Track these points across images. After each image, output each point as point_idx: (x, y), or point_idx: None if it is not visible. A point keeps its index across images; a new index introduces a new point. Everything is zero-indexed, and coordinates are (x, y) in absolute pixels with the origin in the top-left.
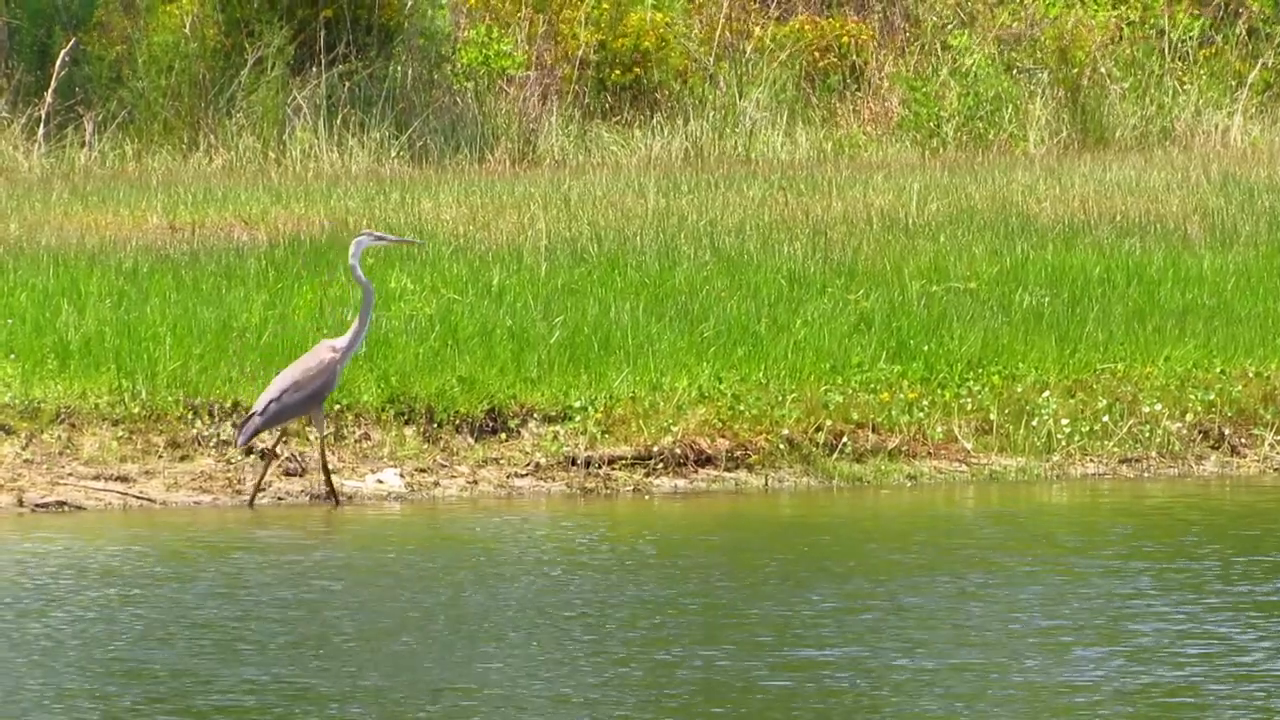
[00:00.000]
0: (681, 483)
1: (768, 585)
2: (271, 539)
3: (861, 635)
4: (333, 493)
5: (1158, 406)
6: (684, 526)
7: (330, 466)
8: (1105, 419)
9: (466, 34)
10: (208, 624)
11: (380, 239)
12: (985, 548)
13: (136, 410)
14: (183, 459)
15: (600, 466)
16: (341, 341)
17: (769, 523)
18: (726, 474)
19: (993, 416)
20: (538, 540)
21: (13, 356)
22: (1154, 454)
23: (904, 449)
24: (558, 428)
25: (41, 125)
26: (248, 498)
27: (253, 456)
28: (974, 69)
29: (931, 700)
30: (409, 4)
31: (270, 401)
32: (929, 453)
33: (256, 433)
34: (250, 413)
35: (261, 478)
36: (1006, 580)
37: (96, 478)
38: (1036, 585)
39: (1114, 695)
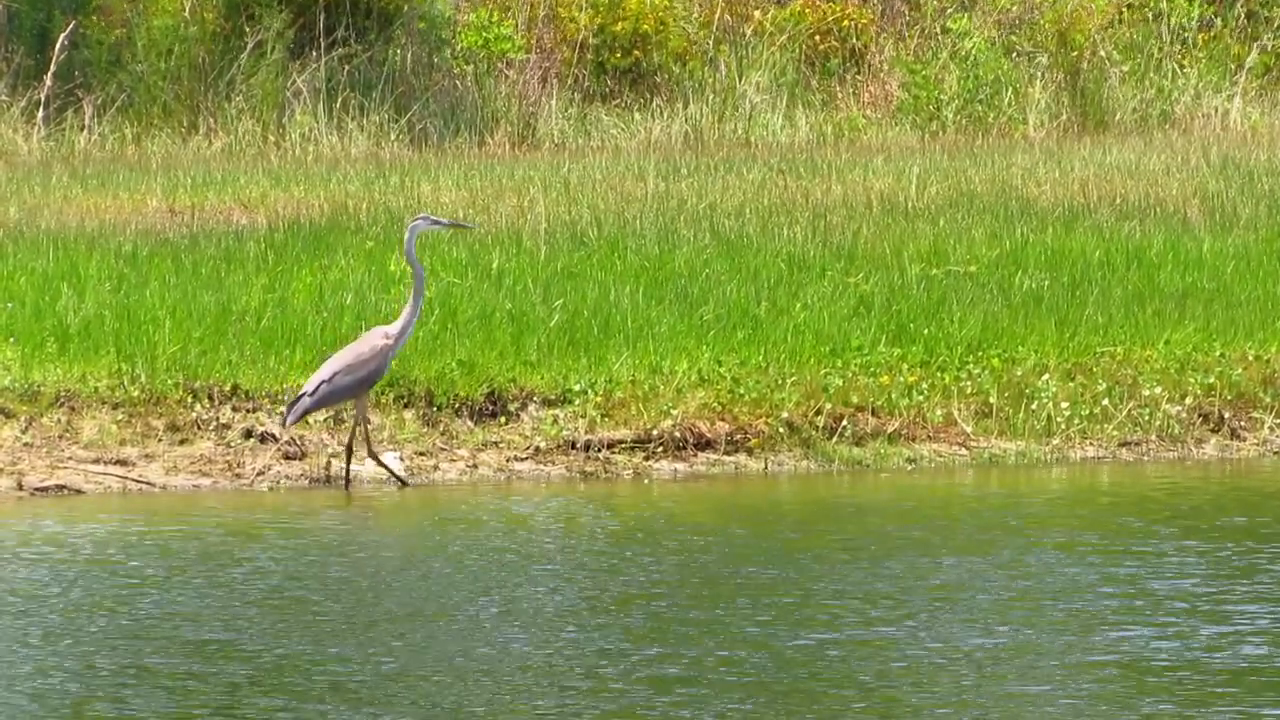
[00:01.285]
0: (681, 466)
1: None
2: (325, 521)
3: (915, 614)
4: (348, 477)
5: (1157, 390)
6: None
7: (331, 450)
8: (1105, 402)
9: (466, 17)
10: (286, 605)
11: (436, 223)
12: (1005, 528)
13: (136, 394)
14: (182, 442)
15: (600, 450)
16: (394, 328)
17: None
18: (726, 457)
19: (992, 400)
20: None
21: (12, 340)
22: (1154, 437)
23: (904, 432)
24: (557, 411)
25: (41, 109)
26: (247, 481)
27: (251, 440)
28: (973, 52)
29: (977, 672)
30: None
31: (321, 383)
32: (929, 436)
33: (306, 413)
34: (300, 393)
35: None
36: (1047, 559)
37: (96, 461)
38: (1091, 562)
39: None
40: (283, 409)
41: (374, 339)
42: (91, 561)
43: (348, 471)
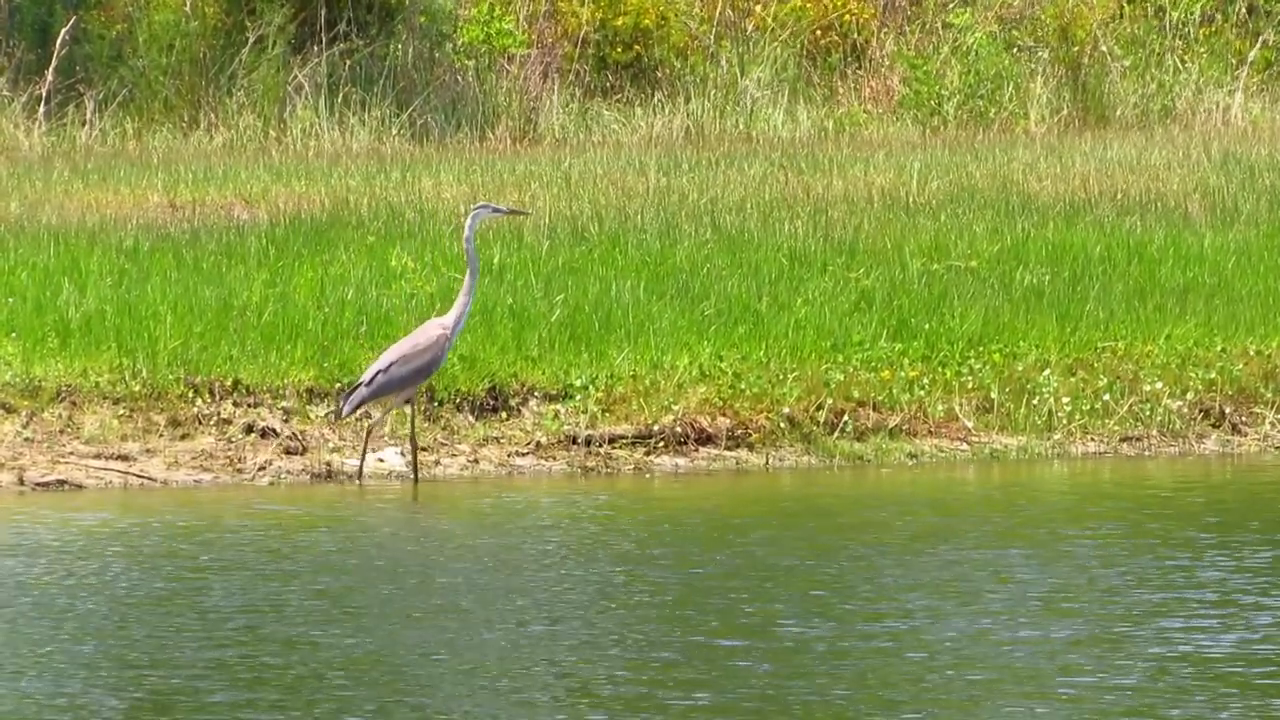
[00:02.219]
0: (682, 461)
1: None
2: (363, 517)
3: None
4: (361, 470)
5: (1158, 385)
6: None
7: (332, 445)
8: (1106, 397)
9: (468, 12)
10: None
11: (496, 210)
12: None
13: (137, 389)
14: (183, 437)
15: (601, 445)
16: (449, 319)
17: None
18: (727, 452)
19: (993, 395)
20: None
21: (14, 335)
22: (1155, 432)
23: (905, 427)
24: (558, 406)
25: (42, 104)
26: (248, 475)
27: (252, 435)
28: (975, 47)
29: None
30: None
31: (378, 373)
32: (930, 431)
33: (362, 404)
34: (356, 383)
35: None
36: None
37: (97, 456)
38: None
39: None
40: (284, 402)
41: (431, 330)
42: (144, 555)
43: (362, 464)
